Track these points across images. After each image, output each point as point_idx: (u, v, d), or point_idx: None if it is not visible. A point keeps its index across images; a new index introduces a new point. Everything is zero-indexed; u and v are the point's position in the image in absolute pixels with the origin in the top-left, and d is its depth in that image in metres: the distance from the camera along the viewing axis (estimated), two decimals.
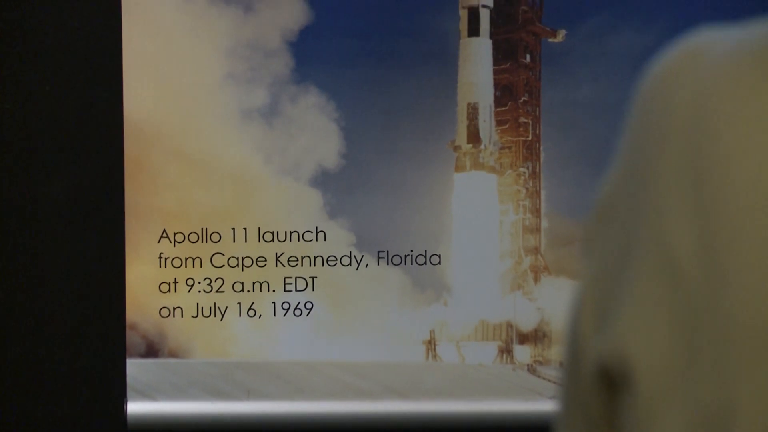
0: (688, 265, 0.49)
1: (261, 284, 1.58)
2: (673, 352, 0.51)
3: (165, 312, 1.58)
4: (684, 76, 0.54)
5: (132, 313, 1.59)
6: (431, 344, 1.61)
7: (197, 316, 1.57)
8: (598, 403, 0.56)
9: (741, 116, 0.51)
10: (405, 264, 1.58)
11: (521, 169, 1.61)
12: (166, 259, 1.58)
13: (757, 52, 0.52)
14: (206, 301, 1.58)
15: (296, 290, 1.58)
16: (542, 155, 1.60)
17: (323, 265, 1.59)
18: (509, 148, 1.61)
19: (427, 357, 1.61)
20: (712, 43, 0.54)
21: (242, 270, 1.58)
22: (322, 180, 1.58)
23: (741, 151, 0.50)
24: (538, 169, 1.60)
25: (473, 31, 1.58)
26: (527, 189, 1.62)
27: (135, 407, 1.55)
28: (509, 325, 1.61)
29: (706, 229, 0.51)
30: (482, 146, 1.61)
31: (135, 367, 1.57)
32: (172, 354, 1.60)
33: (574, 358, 0.58)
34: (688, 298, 0.50)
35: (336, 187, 1.58)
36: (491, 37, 1.59)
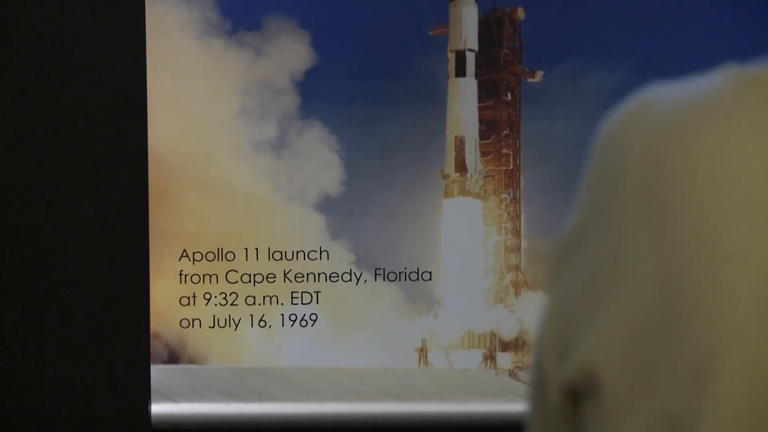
0: (648, 293, 0.52)
1: (271, 298, 1.66)
2: (637, 365, 0.53)
3: (185, 323, 1.66)
4: (636, 128, 0.56)
5: (155, 324, 1.67)
6: (423, 351, 1.68)
7: (214, 326, 1.66)
8: (563, 418, 0.58)
9: (689, 161, 0.53)
10: (399, 280, 1.67)
11: (503, 195, 1.69)
12: (186, 275, 1.66)
13: (699, 104, 0.55)
14: (222, 313, 1.67)
15: (302, 303, 1.66)
16: (522, 183, 1.68)
17: (326, 281, 1.67)
18: (492, 176, 1.69)
19: (419, 363, 1.68)
20: (658, 98, 0.57)
21: (254, 285, 1.66)
22: (325, 205, 1.66)
23: (692, 191, 0.52)
24: (518, 195, 1.68)
25: (460, 72, 1.66)
26: (508, 213, 1.69)
27: (158, 408, 1.63)
28: (492, 335, 1.69)
29: (663, 262, 0.52)
30: (468, 175, 1.69)
31: (158, 373, 1.65)
32: (192, 360, 1.68)
33: (539, 381, 0.60)
34: (650, 320, 0.52)
35: (337, 211, 1.66)
36: (476, 78, 1.67)
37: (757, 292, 0.51)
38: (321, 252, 1.67)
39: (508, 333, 1.70)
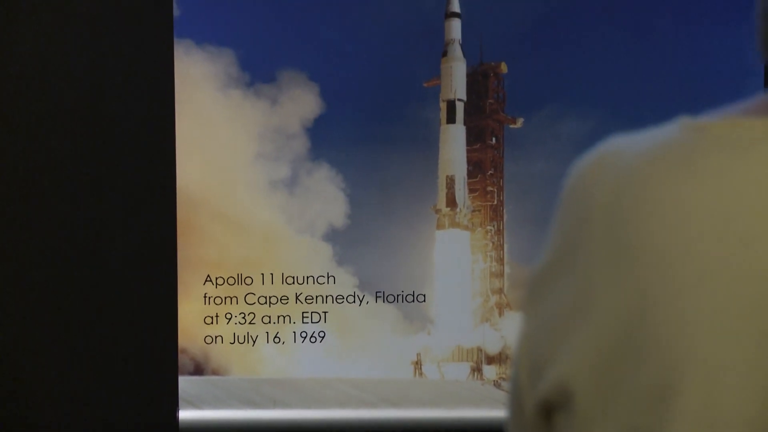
0: (614, 319, 0.56)
1: (284, 317, 1.73)
2: (605, 382, 0.57)
3: (209, 339, 1.73)
4: (600, 176, 0.60)
5: (183, 341, 1.74)
6: (418, 364, 1.74)
7: (234, 342, 1.73)
8: (538, 429, 0.62)
9: (647, 206, 0.57)
10: (397, 301, 1.73)
11: (488, 227, 1.75)
12: (209, 298, 1.72)
13: (655, 154, 0.59)
14: (241, 330, 1.73)
15: (311, 322, 1.73)
16: (505, 216, 1.74)
17: (333, 302, 1.73)
18: (479, 210, 1.75)
19: (415, 374, 1.74)
20: (620, 149, 0.61)
21: (269, 306, 1.73)
22: (332, 236, 1.72)
23: (650, 233, 0.56)
24: (501, 228, 1.74)
25: (451, 119, 1.72)
26: (493, 243, 1.75)
27: (185, 414, 1.72)
28: (479, 350, 1.75)
29: (627, 295, 0.56)
30: (458, 209, 1.75)
31: (185, 383, 1.72)
32: (215, 372, 1.74)
33: (516, 397, 0.64)
34: (617, 344, 0.56)
35: (343, 241, 1.72)
36: (465, 124, 1.73)
37: (711, 321, 0.55)
38: (328, 277, 1.74)
39: (493, 348, 1.76)
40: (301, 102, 1.72)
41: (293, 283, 1.74)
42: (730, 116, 0.63)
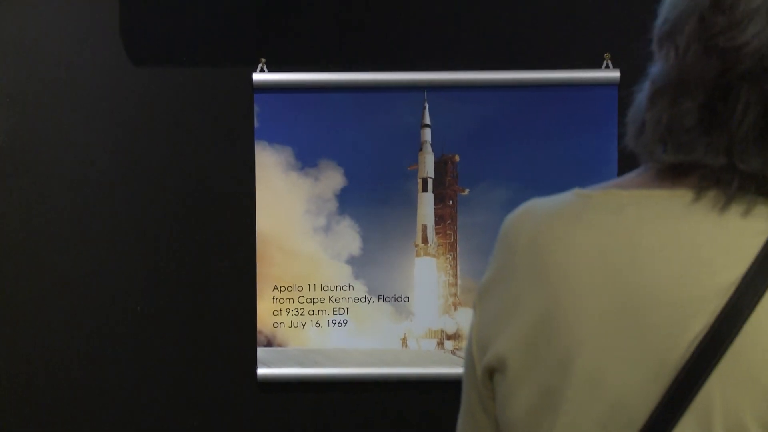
0: (532, 316, 0.65)
1: (321, 311, 1.92)
2: (528, 355, 0.65)
3: (275, 325, 1.93)
4: (523, 223, 0.69)
5: (259, 325, 1.95)
6: (404, 340, 1.93)
7: (290, 326, 1.92)
8: (483, 385, 0.72)
9: (552, 244, 0.65)
10: (391, 301, 1.92)
11: (447, 256, 1.91)
12: (275, 299, 1.93)
13: (557, 211, 0.68)
14: (294, 319, 1.92)
15: (338, 314, 1.92)
16: (458, 249, 1.90)
17: (352, 302, 1.92)
18: (441, 245, 1.91)
19: (402, 346, 1.92)
20: (535, 207, 0.70)
21: (312, 304, 1.92)
22: (351, 260, 1.92)
23: (554, 262, 0.65)
24: (455, 256, 1.90)
25: (425, 189, 1.90)
26: (450, 265, 1.91)
27: (261, 371, 1.93)
28: (442, 331, 1.92)
29: (541, 300, 0.65)
30: (429, 244, 1.90)
31: (261, 352, 1.94)
32: (278, 345, 1.93)
33: (470, 366, 0.74)
34: (535, 331, 0.65)
35: (358, 264, 1.92)
36: (433, 192, 1.90)
37: (594, 316, 0.63)
38: (349, 286, 1.92)
39: (451, 330, 1.92)
40: (332, 179, 1.89)
41: (327, 290, 1.92)
42: (606, 188, 0.68)
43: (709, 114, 0.66)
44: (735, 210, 0.64)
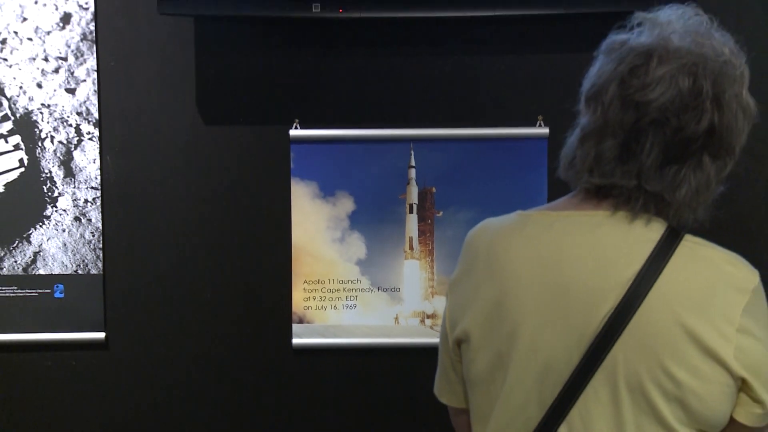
0: (488, 302, 0.79)
1: (338, 298, 2.24)
2: (485, 329, 0.80)
3: (305, 307, 2.26)
4: (481, 235, 0.83)
5: (294, 308, 2.29)
6: (397, 319, 2.23)
7: (316, 309, 2.24)
8: (454, 352, 0.89)
9: (501, 250, 0.79)
10: (388, 291, 2.24)
11: (427, 259, 2.21)
12: (305, 289, 2.26)
13: (505, 226, 0.83)
14: (319, 304, 2.25)
15: (350, 300, 2.24)
16: (435, 254, 2.21)
17: (359, 291, 2.25)
18: (423, 251, 2.15)
19: (395, 323, 2.24)
20: (490, 224, 0.84)
21: (331, 293, 2.25)
22: (359, 262, 2.26)
23: (503, 263, 0.79)
24: (433, 259, 2.21)
25: (411, 211, 2.19)
26: (430, 266, 2.22)
27: (296, 341, 2.28)
28: (424, 312, 2.24)
29: (494, 290, 0.79)
30: (414, 251, 2.21)
31: (295, 327, 2.28)
32: (307, 322, 2.25)
33: (444, 337, 0.93)
34: (490, 312, 0.80)
35: (364, 264, 2.25)
36: (417, 214, 2.19)
37: (531, 302, 0.78)
38: (358, 280, 2.24)
39: (429, 311, 2.24)
40: (346, 205, 2.20)
41: (342, 283, 2.25)
42: (541, 210, 0.83)
43: (626, 150, 0.78)
44: (637, 224, 0.76)
